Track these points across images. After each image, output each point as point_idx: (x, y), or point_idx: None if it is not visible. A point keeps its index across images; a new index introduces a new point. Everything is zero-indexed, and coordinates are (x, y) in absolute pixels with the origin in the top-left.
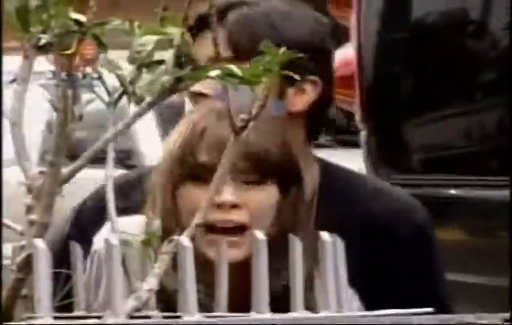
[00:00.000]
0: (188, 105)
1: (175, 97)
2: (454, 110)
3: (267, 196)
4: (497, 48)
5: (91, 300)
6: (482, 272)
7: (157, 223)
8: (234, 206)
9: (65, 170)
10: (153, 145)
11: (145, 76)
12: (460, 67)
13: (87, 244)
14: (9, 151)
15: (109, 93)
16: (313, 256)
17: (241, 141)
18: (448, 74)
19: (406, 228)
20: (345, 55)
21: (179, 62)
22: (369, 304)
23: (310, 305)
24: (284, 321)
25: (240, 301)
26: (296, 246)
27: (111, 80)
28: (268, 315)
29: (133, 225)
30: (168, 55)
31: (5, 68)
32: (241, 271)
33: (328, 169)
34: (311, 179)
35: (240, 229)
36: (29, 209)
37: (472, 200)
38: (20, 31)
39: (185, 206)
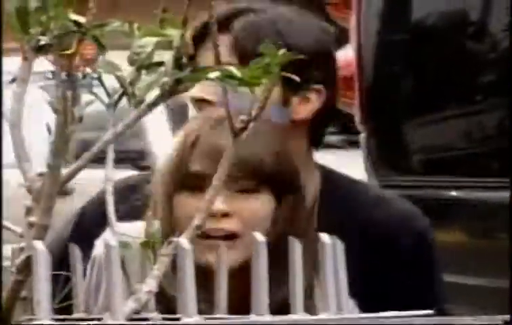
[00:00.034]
0: (192, 112)
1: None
2: (454, 111)
3: (261, 204)
4: (497, 49)
5: (90, 305)
6: (482, 274)
7: (157, 225)
8: (225, 214)
9: (65, 171)
10: (165, 145)
11: (145, 78)
12: (460, 68)
13: (87, 247)
14: (9, 153)
15: (108, 95)
16: (313, 265)
17: (240, 142)
18: (448, 75)
19: (406, 236)
20: (344, 56)
21: (179, 64)
22: (369, 312)
23: (310, 313)
24: (284, 323)
25: (236, 308)
26: (296, 248)
27: (110, 81)
28: (268, 318)
29: (135, 231)
30: (167, 56)
31: (4, 68)
32: (236, 278)
33: (329, 176)
34: (312, 186)
35: (230, 237)
36: (28, 211)
37: (472, 201)
38: (20, 32)
39: (180, 214)
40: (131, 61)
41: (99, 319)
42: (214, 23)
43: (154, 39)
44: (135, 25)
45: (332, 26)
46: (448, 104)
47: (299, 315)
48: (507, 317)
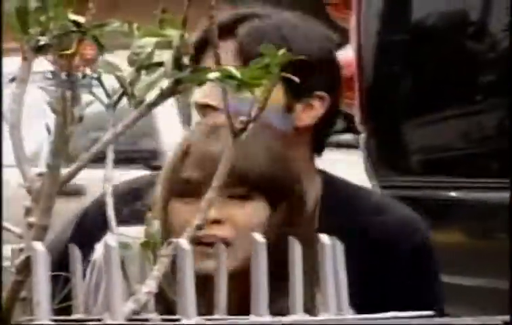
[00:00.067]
0: (195, 117)
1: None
2: (454, 112)
3: (254, 210)
4: (497, 49)
5: (90, 306)
6: (482, 274)
7: (157, 225)
8: (217, 221)
9: (64, 172)
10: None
11: (145, 78)
12: (460, 68)
13: (88, 249)
14: (9, 153)
15: (108, 95)
16: (313, 271)
17: (240, 142)
18: (447, 75)
19: (406, 242)
20: (344, 57)
21: (179, 64)
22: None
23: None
24: (284, 324)
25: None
26: (296, 249)
27: (110, 81)
28: (267, 318)
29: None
30: (167, 56)
31: (4, 69)
32: (228, 285)
33: (330, 182)
34: (313, 191)
35: (224, 242)
36: (28, 211)
37: (472, 202)
38: (19, 32)
39: (174, 221)
40: (131, 62)
41: (98, 320)
42: (214, 23)
43: (154, 39)
44: (135, 25)
45: (336, 34)
46: (448, 104)
47: (298, 315)
48: (507, 317)
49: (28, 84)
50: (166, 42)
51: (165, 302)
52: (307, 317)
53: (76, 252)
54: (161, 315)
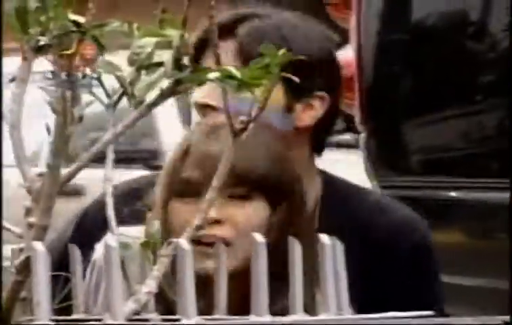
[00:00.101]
0: (196, 117)
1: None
2: (454, 112)
3: (254, 211)
4: (497, 49)
5: (90, 306)
6: (482, 274)
7: (157, 225)
8: (217, 221)
9: (64, 172)
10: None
11: (145, 78)
12: (460, 68)
13: (88, 250)
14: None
15: (108, 95)
16: (314, 271)
17: (240, 142)
18: (447, 75)
19: (406, 242)
20: (344, 57)
21: (179, 64)
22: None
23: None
24: (284, 324)
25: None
26: (296, 248)
27: (110, 81)
28: (268, 318)
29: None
30: (167, 56)
31: (4, 69)
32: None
33: (330, 182)
34: (313, 191)
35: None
36: (28, 211)
37: (472, 202)
38: (19, 32)
39: (173, 221)
40: (131, 62)
41: (99, 320)
42: (214, 23)
43: (154, 39)
44: (135, 25)
45: (336, 34)
46: (448, 104)
47: (298, 315)
48: (507, 318)
49: (28, 84)
50: (166, 43)
51: (165, 302)
52: (307, 317)
53: (76, 252)
54: (161, 315)
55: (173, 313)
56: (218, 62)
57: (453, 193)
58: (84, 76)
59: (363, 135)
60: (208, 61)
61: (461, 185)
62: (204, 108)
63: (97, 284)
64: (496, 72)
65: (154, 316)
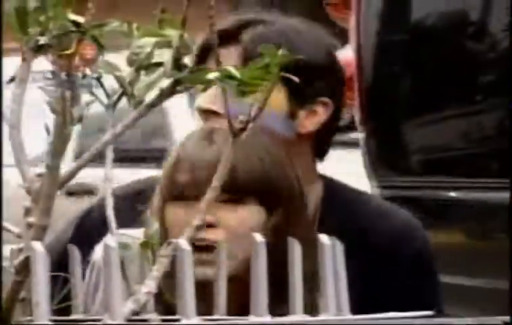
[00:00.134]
0: (198, 122)
1: None
2: (453, 112)
3: (248, 215)
4: (497, 49)
5: (88, 306)
6: (482, 274)
7: (156, 226)
8: (209, 225)
9: (63, 172)
10: None
11: (144, 78)
12: (459, 68)
13: (87, 250)
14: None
15: (108, 95)
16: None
17: (239, 143)
18: (447, 75)
19: (407, 248)
20: (344, 56)
21: (178, 64)
22: None
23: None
24: (283, 324)
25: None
26: (295, 249)
27: (110, 81)
28: (267, 318)
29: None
30: (166, 56)
31: (4, 69)
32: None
33: (331, 186)
34: (314, 196)
35: (213, 248)
36: (27, 211)
37: (471, 202)
38: (18, 32)
39: (168, 225)
40: (130, 62)
41: (98, 320)
42: (214, 23)
43: (153, 39)
44: (134, 25)
45: (335, 40)
46: (448, 104)
47: (298, 315)
48: (507, 318)
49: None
50: (165, 42)
51: (165, 303)
52: (307, 318)
53: (75, 253)
54: (161, 315)
55: (173, 314)
56: (218, 63)
57: (453, 194)
58: (84, 76)
59: (362, 135)
60: (213, 64)
61: (461, 185)
62: (207, 114)
63: (96, 284)
64: (496, 72)
65: (153, 316)
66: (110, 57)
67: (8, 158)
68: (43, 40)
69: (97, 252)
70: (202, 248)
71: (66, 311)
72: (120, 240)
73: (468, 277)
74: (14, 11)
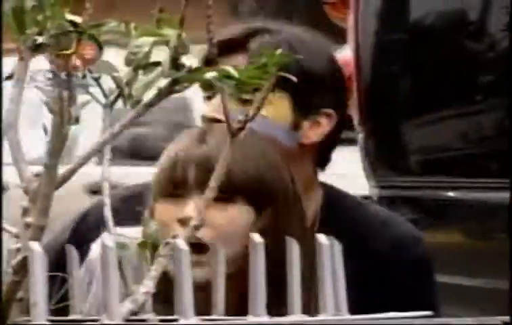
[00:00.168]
0: None
1: None
2: (453, 112)
3: (237, 214)
4: (497, 49)
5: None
6: (481, 274)
7: (154, 226)
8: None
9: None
10: None
11: (142, 78)
12: (459, 68)
13: (85, 251)
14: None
15: (105, 95)
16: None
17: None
18: (446, 75)
19: (408, 257)
20: (342, 56)
21: (176, 64)
22: None
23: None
24: (282, 324)
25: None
26: (294, 249)
27: (109, 81)
28: (266, 318)
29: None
30: (164, 56)
31: (4, 69)
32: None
33: (331, 194)
34: (313, 204)
35: (200, 247)
36: (25, 211)
37: (471, 202)
38: (16, 32)
39: (158, 222)
40: (128, 62)
41: (95, 321)
42: (211, 23)
43: (151, 39)
44: (132, 25)
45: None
46: (447, 104)
47: (297, 315)
48: (507, 318)
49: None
50: (163, 42)
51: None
52: (306, 317)
53: (73, 253)
54: (159, 315)
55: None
56: (216, 63)
57: (452, 194)
58: (84, 76)
59: (361, 135)
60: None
61: (460, 185)
62: (211, 121)
63: (90, 283)
64: (495, 72)
65: (151, 316)
66: (112, 52)
67: (6, 157)
68: (40, 39)
69: (94, 250)
70: (196, 251)
71: (64, 311)
72: (118, 239)
73: (468, 277)
74: (11, 10)
